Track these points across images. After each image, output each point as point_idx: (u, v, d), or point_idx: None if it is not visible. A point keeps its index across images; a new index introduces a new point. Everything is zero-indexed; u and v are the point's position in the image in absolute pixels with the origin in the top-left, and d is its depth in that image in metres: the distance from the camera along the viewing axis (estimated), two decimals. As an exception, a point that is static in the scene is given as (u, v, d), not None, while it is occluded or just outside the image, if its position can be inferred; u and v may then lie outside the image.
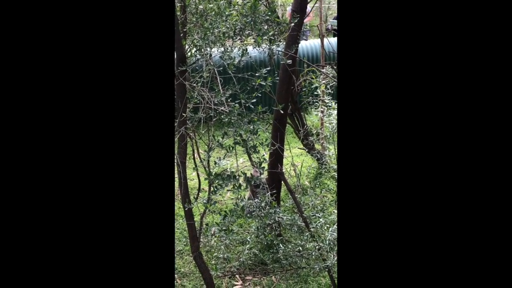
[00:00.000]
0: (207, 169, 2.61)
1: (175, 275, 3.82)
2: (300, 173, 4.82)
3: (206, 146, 2.76)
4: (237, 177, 2.48)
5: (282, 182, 4.00)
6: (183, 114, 2.54)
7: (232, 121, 2.42)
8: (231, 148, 2.51)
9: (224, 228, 2.61)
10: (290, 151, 4.81)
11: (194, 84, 2.67)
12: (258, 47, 2.57)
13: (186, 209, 2.78)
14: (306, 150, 4.90)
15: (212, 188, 2.54)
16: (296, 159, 5.29)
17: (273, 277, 3.79)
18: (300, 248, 3.38)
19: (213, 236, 3.93)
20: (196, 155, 3.26)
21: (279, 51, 3.00)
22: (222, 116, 2.51)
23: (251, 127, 2.46)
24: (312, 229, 3.40)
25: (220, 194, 2.54)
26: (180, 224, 4.43)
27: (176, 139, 2.71)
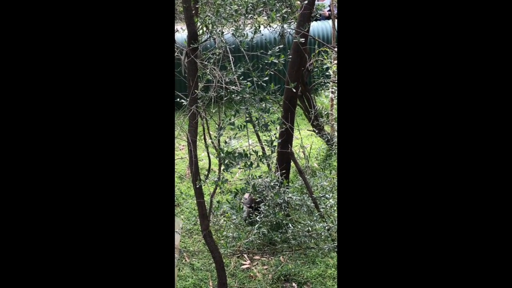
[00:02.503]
0: (217, 148, 2.61)
1: (184, 254, 3.85)
2: (309, 154, 4.81)
3: (216, 126, 2.75)
4: (248, 155, 2.47)
5: (292, 163, 3.99)
6: (195, 91, 2.53)
7: (244, 99, 2.41)
8: (242, 126, 2.50)
9: (234, 206, 2.61)
10: (299, 133, 4.79)
11: (206, 62, 2.64)
12: (271, 22, 2.54)
13: (197, 186, 2.78)
14: (316, 131, 4.88)
15: (222, 166, 2.53)
16: (305, 140, 5.28)
17: (281, 257, 3.81)
18: (310, 229, 3.39)
19: (222, 216, 3.94)
20: (206, 135, 3.26)
21: (291, 29, 2.97)
22: (233, 95, 2.49)
23: (263, 105, 2.44)
24: (321, 210, 3.40)
25: (230, 172, 2.54)
26: (189, 204, 4.45)
27: (187, 118, 2.70)
